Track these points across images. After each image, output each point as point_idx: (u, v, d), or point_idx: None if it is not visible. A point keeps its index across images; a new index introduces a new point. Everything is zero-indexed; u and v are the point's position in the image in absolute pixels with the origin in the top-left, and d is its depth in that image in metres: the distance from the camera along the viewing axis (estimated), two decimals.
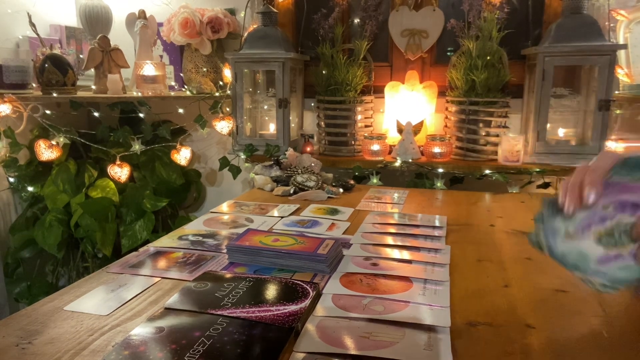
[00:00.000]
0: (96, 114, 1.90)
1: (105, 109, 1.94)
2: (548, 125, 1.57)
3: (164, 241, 0.92)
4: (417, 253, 0.85)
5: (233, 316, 0.60)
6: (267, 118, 1.90)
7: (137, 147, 1.84)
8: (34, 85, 1.73)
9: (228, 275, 0.74)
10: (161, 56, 2.01)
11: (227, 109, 1.86)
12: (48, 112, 1.79)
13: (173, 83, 1.99)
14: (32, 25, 1.70)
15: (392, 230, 0.99)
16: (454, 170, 1.66)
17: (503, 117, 1.65)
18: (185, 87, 1.91)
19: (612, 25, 1.57)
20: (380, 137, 1.73)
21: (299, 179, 1.34)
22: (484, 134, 1.65)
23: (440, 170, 1.64)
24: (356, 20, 1.84)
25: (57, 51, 1.74)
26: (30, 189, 1.86)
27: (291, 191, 1.30)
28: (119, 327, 0.59)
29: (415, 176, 1.70)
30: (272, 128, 1.86)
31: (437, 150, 1.68)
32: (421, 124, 1.77)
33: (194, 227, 1.01)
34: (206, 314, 0.61)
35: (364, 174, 1.72)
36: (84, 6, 1.88)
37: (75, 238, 1.87)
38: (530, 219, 1.09)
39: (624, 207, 0.51)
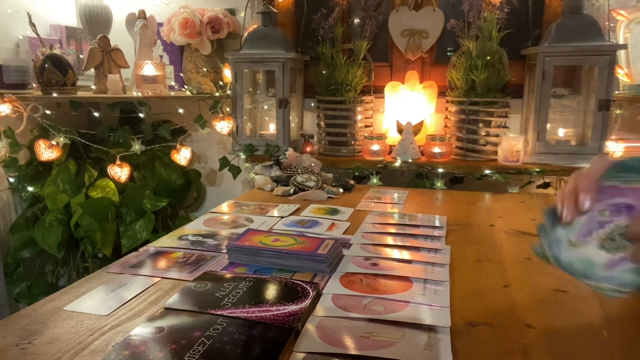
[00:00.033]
0: (96, 114, 1.90)
1: (105, 109, 1.94)
2: (548, 125, 1.57)
3: (164, 241, 0.92)
4: (417, 253, 0.85)
5: (233, 316, 0.60)
6: (267, 118, 1.90)
7: (137, 147, 1.84)
8: (34, 85, 1.73)
9: (228, 275, 0.74)
10: (161, 56, 2.01)
11: (227, 109, 1.86)
12: (48, 112, 1.79)
13: (173, 83, 1.99)
14: (32, 25, 1.70)
15: (392, 230, 0.99)
16: (454, 170, 1.66)
17: (503, 117, 1.65)
18: (185, 87, 1.91)
19: (612, 25, 1.57)
20: (380, 137, 1.73)
21: (299, 179, 1.34)
22: (484, 134, 1.65)
23: (440, 170, 1.64)
24: (356, 20, 1.84)
25: (57, 51, 1.74)
26: (30, 189, 1.86)
27: (291, 191, 1.30)
28: (119, 327, 0.59)
29: (415, 176, 1.70)
30: (272, 128, 1.86)
31: (437, 150, 1.68)
32: (421, 124, 1.77)
33: (194, 227, 1.01)
34: (206, 314, 0.61)
35: (364, 174, 1.72)
36: (84, 6, 1.88)
37: (75, 238, 1.87)
38: (531, 219, 1.10)
39: (619, 210, 0.52)
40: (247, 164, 1.86)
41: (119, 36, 1.91)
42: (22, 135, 1.82)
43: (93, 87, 1.82)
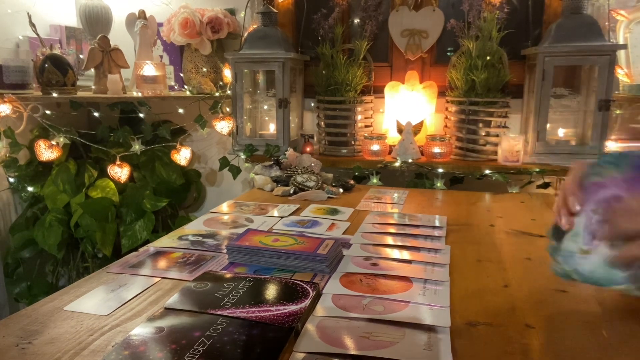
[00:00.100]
0: (96, 114, 1.90)
1: (105, 109, 1.94)
2: (548, 125, 1.57)
3: (164, 241, 0.92)
4: (417, 253, 0.85)
5: (233, 316, 0.60)
6: (267, 118, 1.90)
7: (137, 147, 1.84)
8: (34, 85, 1.73)
9: (228, 275, 0.74)
10: (161, 56, 2.01)
11: (227, 109, 1.86)
12: (48, 112, 1.79)
13: (173, 83, 1.99)
14: (32, 25, 1.70)
15: (392, 230, 0.99)
16: (454, 170, 1.66)
17: (503, 117, 1.65)
18: (185, 87, 1.91)
19: (612, 25, 1.57)
20: (380, 137, 1.73)
21: (299, 179, 1.34)
22: (483, 134, 1.65)
23: (440, 170, 1.64)
24: (356, 20, 1.84)
25: (57, 51, 1.74)
26: (30, 189, 1.86)
27: (291, 191, 1.30)
28: (119, 327, 0.59)
29: (415, 176, 1.70)
30: (272, 128, 1.86)
31: (437, 150, 1.68)
32: (421, 124, 1.77)
33: (194, 227, 1.01)
34: (206, 314, 0.61)
35: (364, 174, 1.72)
36: (84, 6, 1.88)
37: (75, 238, 1.87)
38: (531, 219, 1.10)
39: (608, 203, 0.52)
40: (247, 164, 1.86)
41: (119, 36, 1.91)
42: (22, 135, 1.82)
43: (93, 87, 1.82)
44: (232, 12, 1.89)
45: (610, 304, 0.66)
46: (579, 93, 1.62)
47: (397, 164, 1.68)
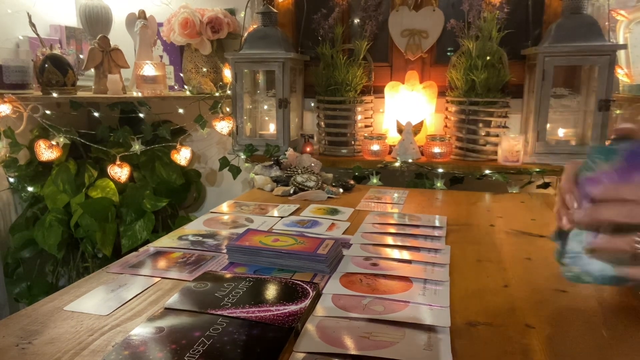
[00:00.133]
0: (96, 114, 1.90)
1: (105, 109, 1.94)
2: (548, 125, 1.57)
3: (164, 241, 0.92)
4: (417, 253, 0.85)
5: (233, 316, 0.60)
6: (267, 118, 1.90)
7: (137, 147, 1.84)
8: (34, 85, 1.73)
9: (228, 275, 0.74)
10: (161, 56, 2.01)
11: (227, 109, 1.86)
12: (48, 112, 1.79)
13: (173, 83, 1.99)
14: (32, 25, 1.70)
15: (392, 230, 0.99)
16: (454, 170, 1.66)
17: (503, 117, 1.65)
18: (185, 87, 1.91)
19: (612, 25, 1.57)
20: (380, 137, 1.73)
21: (299, 179, 1.34)
22: (483, 134, 1.65)
23: (440, 170, 1.64)
24: (356, 20, 1.84)
25: (57, 51, 1.74)
26: (30, 189, 1.86)
27: (291, 191, 1.30)
28: (119, 327, 0.59)
29: (415, 176, 1.70)
30: (272, 128, 1.86)
31: (437, 150, 1.68)
32: (421, 124, 1.77)
33: (194, 227, 1.01)
34: (206, 314, 0.61)
35: (364, 174, 1.72)
36: (84, 6, 1.88)
37: (75, 238, 1.87)
38: (531, 219, 1.10)
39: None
40: (247, 164, 1.86)
41: (119, 36, 1.91)
42: (22, 135, 1.82)
43: (93, 87, 1.82)
44: (232, 12, 1.89)
45: (610, 303, 0.66)
46: (579, 93, 1.62)
47: (397, 164, 1.68)
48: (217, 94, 1.81)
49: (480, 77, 1.58)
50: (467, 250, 0.88)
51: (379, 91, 1.83)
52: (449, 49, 1.82)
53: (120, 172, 1.79)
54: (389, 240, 0.93)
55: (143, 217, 1.87)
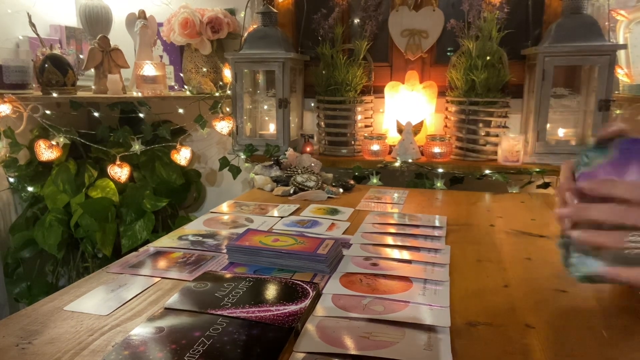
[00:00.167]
0: (96, 114, 1.90)
1: (105, 109, 1.94)
2: (548, 125, 1.57)
3: (164, 241, 0.92)
4: (417, 253, 0.85)
5: (233, 316, 0.60)
6: (267, 118, 1.90)
7: (137, 147, 1.84)
8: (34, 85, 1.73)
9: (228, 275, 0.74)
10: (161, 56, 2.01)
11: (227, 109, 1.86)
12: (48, 112, 1.79)
13: (173, 83, 1.99)
14: (32, 25, 1.70)
15: (392, 230, 0.99)
16: (454, 170, 1.66)
17: (503, 117, 1.65)
18: (185, 87, 1.91)
19: (612, 25, 1.57)
20: (380, 137, 1.73)
21: (299, 179, 1.34)
22: (483, 134, 1.65)
23: (440, 170, 1.64)
24: (356, 20, 1.84)
25: (57, 51, 1.74)
26: (30, 189, 1.86)
27: (291, 191, 1.30)
28: (119, 327, 0.59)
29: (415, 176, 1.70)
30: (272, 128, 1.86)
31: (437, 150, 1.68)
32: (421, 124, 1.77)
33: (194, 227, 1.01)
34: (206, 314, 0.61)
35: (364, 174, 1.72)
36: (84, 6, 1.88)
37: (75, 238, 1.87)
38: (531, 219, 1.10)
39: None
40: (247, 164, 1.86)
41: (119, 36, 1.91)
42: (22, 135, 1.82)
43: (93, 87, 1.82)
44: (232, 12, 1.89)
45: (610, 303, 0.66)
46: (579, 93, 1.62)
47: (397, 164, 1.68)
48: (217, 94, 1.81)
49: (480, 77, 1.58)
50: (467, 250, 0.88)
51: (379, 91, 1.83)
52: (449, 49, 1.82)
53: (120, 172, 1.79)
54: (389, 240, 0.93)
55: (143, 217, 1.87)
